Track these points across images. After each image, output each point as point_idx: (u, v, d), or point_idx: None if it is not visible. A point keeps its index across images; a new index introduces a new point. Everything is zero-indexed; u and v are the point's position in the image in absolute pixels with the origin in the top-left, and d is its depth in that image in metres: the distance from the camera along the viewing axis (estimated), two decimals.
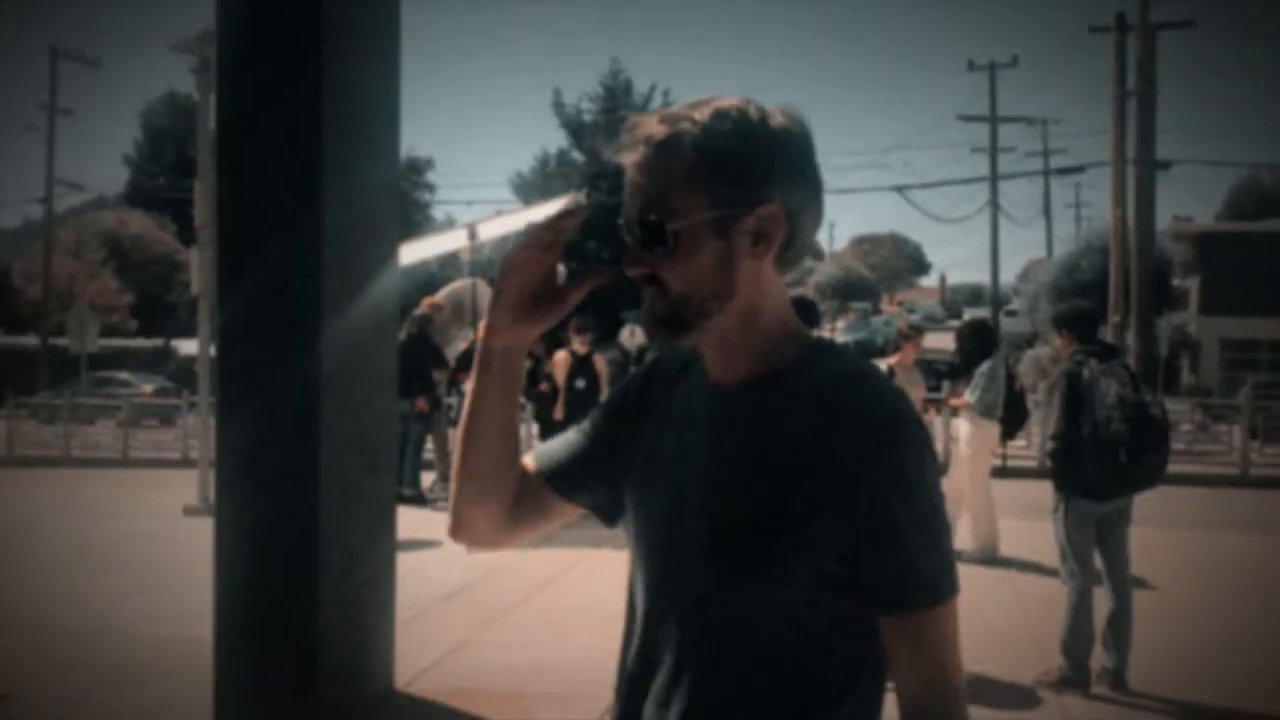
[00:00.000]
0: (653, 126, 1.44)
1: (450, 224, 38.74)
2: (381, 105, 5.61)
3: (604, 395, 8.21)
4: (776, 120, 1.45)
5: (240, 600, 5.05)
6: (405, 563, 5.92)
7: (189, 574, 7.40)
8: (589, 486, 1.68)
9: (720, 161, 1.41)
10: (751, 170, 1.42)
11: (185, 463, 17.46)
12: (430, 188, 48.43)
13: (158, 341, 38.75)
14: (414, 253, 13.50)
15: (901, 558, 1.39)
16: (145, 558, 9.38)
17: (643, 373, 1.69)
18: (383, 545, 5.63)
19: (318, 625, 4.98)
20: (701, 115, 1.43)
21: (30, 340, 38.24)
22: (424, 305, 12.84)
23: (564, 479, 1.67)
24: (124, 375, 30.59)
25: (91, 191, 49.80)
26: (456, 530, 1.69)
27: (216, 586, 5.08)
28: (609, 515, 1.66)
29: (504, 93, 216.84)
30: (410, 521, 7.31)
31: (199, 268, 13.15)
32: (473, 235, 12.95)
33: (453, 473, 1.67)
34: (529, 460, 1.70)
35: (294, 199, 5.04)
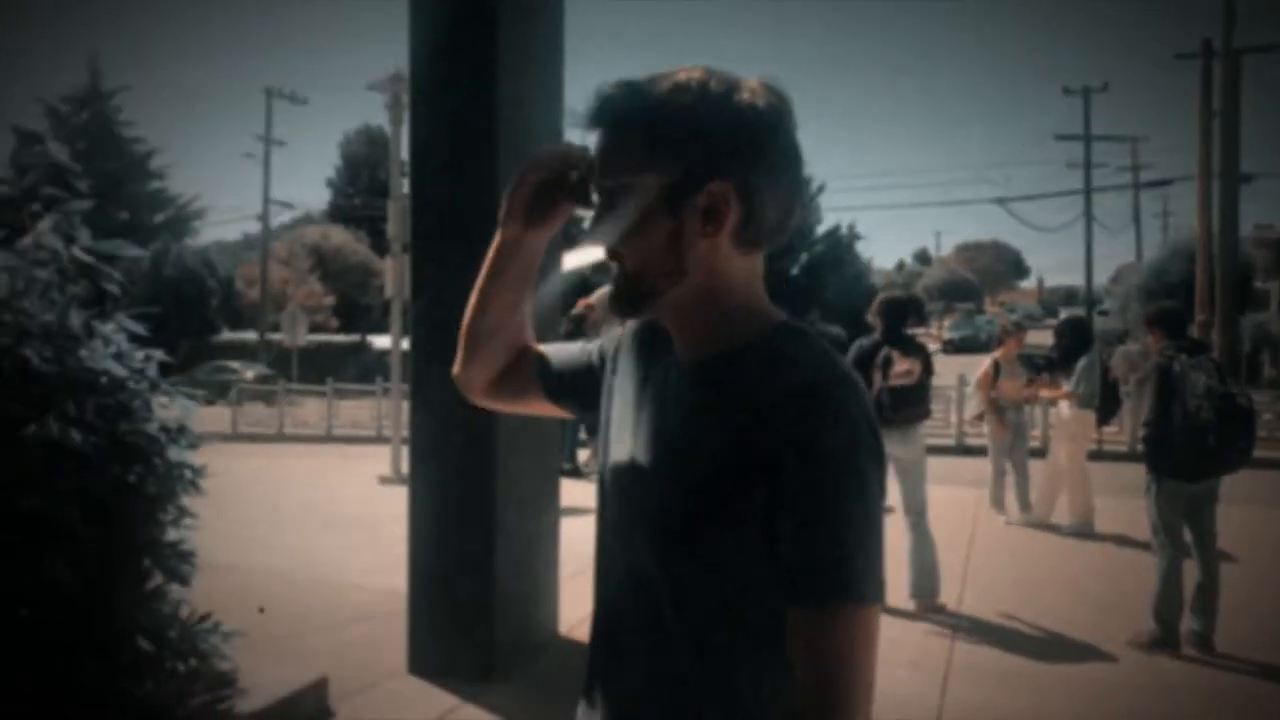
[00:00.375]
0: (614, 98, 1.29)
1: None
2: (545, 136, 5.69)
3: None
4: (740, 96, 1.26)
5: (429, 556, 5.18)
6: (565, 526, 5.99)
7: (385, 533, 7.62)
8: (567, 398, 1.60)
9: (672, 136, 1.24)
10: (702, 146, 1.24)
11: (379, 439, 17.95)
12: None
13: (355, 337, 39.78)
14: (571, 261, 13.66)
15: (814, 547, 1.18)
16: (348, 519, 9.66)
17: (644, 328, 1.47)
18: (548, 510, 5.73)
19: (494, 578, 5.08)
20: (660, 88, 1.26)
21: (250, 335, 39.65)
22: (580, 306, 12.97)
23: (548, 380, 1.60)
24: (234, 364, 31.54)
25: (300, 210, 51.40)
26: (456, 372, 1.66)
27: (410, 544, 5.23)
28: (588, 427, 1.59)
29: None
30: (569, 491, 7.40)
31: (391, 274, 13.57)
32: None
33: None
34: (541, 349, 1.64)
35: (473, 215, 5.14)
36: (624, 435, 1.40)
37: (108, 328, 3.90)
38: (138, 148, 45.72)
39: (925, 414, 6.75)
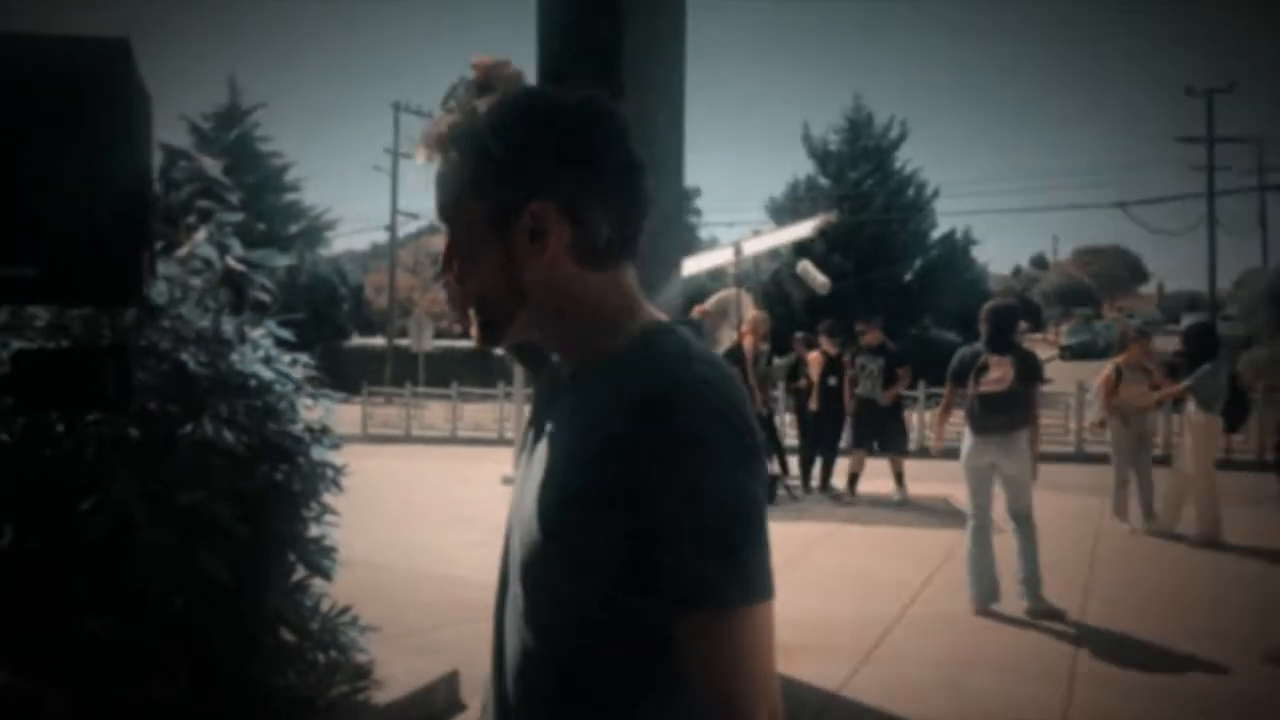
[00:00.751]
0: (441, 125, 1.24)
1: (714, 243, 38.76)
2: (668, 145, 5.70)
3: (848, 392, 7.98)
4: (558, 112, 1.21)
5: None
6: None
7: None
8: (522, 352, 1.52)
9: (490, 160, 1.20)
10: (519, 168, 1.19)
11: (501, 441, 18.24)
12: (698, 212, 48.83)
13: None
14: (689, 267, 13.70)
15: (677, 555, 1.11)
16: (473, 517, 9.81)
17: None
18: None
19: None
20: (479, 111, 1.22)
21: (379, 341, 40.60)
22: (696, 312, 12.99)
23: None
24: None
25: (426, 220, 52.34)
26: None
27: None
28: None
29: (758, 129, 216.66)
30: None
31: None
32: (738, 252, 13.06)
33: None
34: None
35: None
36: (526, 454, 1.34)
37: (256, 333, 4.04)
38: (274, 162, 47.28)
39: (1018, 422, 6.41)
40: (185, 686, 3.58)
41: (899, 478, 10.84)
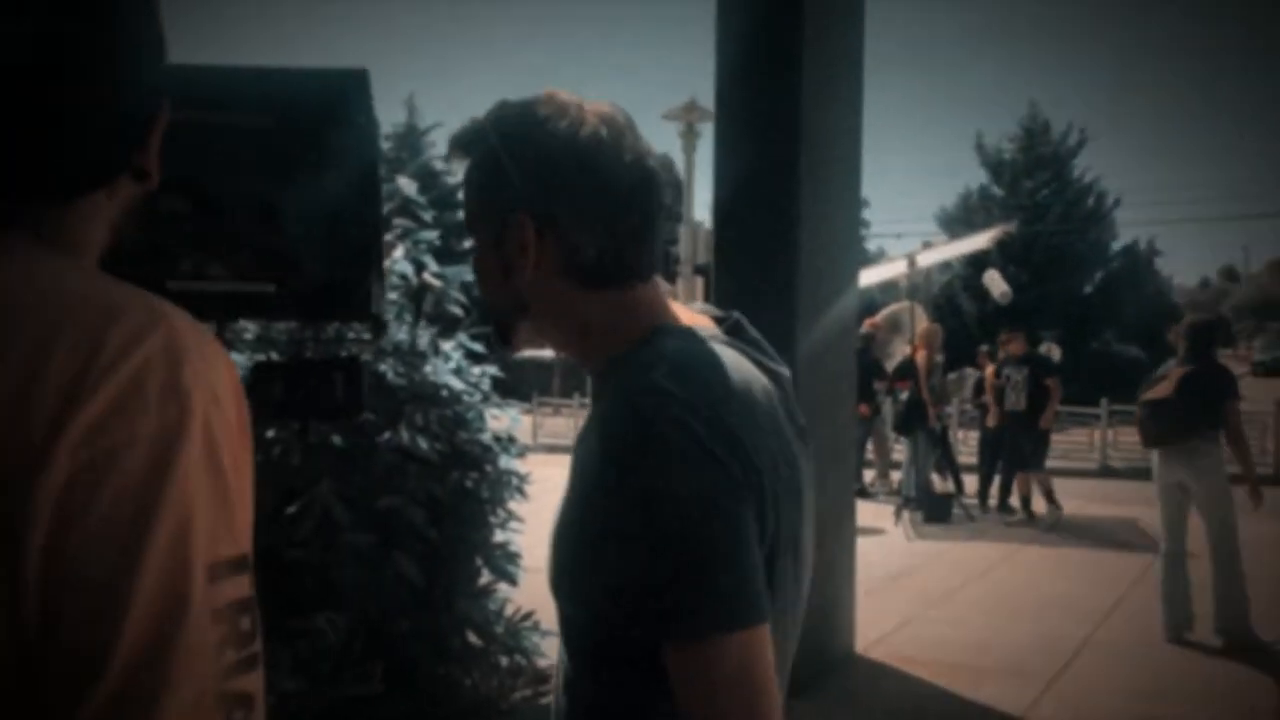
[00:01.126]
0: (459, 133, 1.23)
1: (881, 255, 38.14)
2: (845, 159, 5.67)
3: (991, 405, 7.73)
4: (554, 125, 1.16)
5: None
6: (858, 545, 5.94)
7: None
8: None
9: (484, 172, 1.19)
10: (501, 180, 1.17)
11: None
12: (866, 224, 48.17)
13: None
14: (862, 279, 13.54)
15: (644, 582, 1.04)
16: None
17: None
18: (844, 528, 5.69)
19: None
20: (488, 120, 1.21)
21: (547, 353, 41.23)
22: (866, 325, 12.82)
23: None
24: None
25: None
26: None
27: None
28: None
29: (928, 137, 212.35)
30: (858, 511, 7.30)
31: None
32: (911, 264, 12.85)
33: None
34: None
35: (774, 240, 5.20)
36: None
37: (447, 345, 4.20)
38: (448, 180, 48.92)
39: (1178, 433, 6.03)
40: (379, 684, 3.74)
41: (1049, 495, 10.36)
